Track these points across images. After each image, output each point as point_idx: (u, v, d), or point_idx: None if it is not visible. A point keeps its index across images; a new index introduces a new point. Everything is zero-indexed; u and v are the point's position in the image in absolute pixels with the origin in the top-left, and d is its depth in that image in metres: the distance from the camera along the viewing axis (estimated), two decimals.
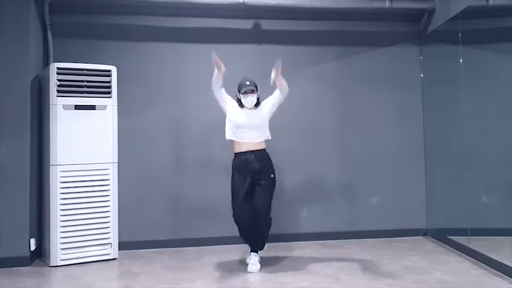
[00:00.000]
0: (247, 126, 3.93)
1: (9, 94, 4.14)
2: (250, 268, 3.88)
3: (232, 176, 3.96)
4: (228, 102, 4.00)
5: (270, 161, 3.99)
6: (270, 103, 4.01)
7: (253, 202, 3.88)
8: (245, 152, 3.91)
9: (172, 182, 4.82)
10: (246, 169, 3.88)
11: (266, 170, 3.93)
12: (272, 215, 4.78)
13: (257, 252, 3.99)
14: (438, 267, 3.90)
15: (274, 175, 3.97)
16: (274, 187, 3.96)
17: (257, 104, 4.02)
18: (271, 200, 3.95)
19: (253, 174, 3.89)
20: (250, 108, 4.00)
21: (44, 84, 4.35)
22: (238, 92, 3.99)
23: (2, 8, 4.16)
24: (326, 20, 5.10)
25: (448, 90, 4.61)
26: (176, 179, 4.83)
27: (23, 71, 4.19)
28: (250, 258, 3.94)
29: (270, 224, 4.00)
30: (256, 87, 4.01)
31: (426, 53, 5.14)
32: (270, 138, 4.04)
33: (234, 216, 3.91)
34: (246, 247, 4.11)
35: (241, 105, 3.99)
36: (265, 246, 4.09)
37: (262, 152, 3.97)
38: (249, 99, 3.96)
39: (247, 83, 3.97)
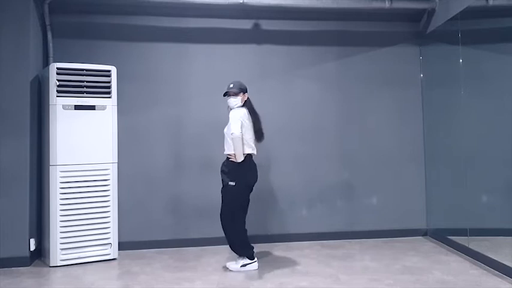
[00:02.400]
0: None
1: (9, 94, 4.14)
2: (227, 264, 4.00)
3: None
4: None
5: (232, 166, 3.88)
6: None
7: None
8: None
9: (172, 182, 4.82)
10: None
11: (224, 177, 3.93)
12: (273, 214, 4.78)
13: (240, 257, 3.98)
14: (438, 267, 3.90)
15: (235, 183, 3.85)
16: (230, 195, 3.87)
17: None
18: (226, 208, 3.90)
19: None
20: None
21: (43, 84, 4.35)
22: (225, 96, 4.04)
23: (2, 8, 4.16)
24: (326, 20, 5.10)
25: (447, 90, 4.61)
26: (176, 179, 4.83)
27: (23, 71, 4.19)
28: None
29: (229, 233, 3.91)
30: (243, 91, 3.96)
31: (426, 53, 5.14)
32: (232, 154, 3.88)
33: None
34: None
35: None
36: (242, 255, 3.97)
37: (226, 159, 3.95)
38: (230, 102, 3.95)
39: (231, 85, 3.97)
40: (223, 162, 3.99)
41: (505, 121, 3.88)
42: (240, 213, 3.91)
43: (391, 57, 5.17)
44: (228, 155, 3.91)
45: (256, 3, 4.68)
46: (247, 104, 3.98)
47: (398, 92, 5.16)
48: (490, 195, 4.22)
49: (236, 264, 3.95)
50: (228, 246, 4.02)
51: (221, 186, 3.96)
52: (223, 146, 3.99)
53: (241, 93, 3.96)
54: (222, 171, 3.96)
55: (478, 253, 4.04)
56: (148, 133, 4.81)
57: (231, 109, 3.96)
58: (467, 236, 4.22)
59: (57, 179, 4.10)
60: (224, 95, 4.00)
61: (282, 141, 4.94)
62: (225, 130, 3.97)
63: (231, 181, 3.86)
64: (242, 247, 3.93)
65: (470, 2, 4.11)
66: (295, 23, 5.08)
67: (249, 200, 3.98)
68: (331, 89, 5.09)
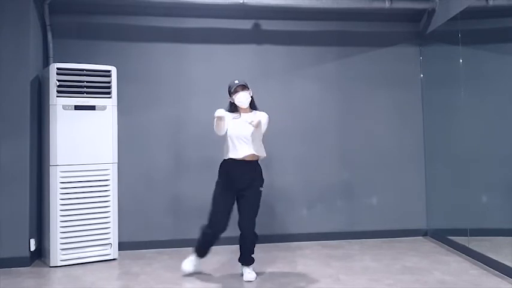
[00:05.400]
0: (238, 136, 3.66)
1: (9, 94, 4.14)
2: (247, 277, 3.66)
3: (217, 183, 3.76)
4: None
5: (260, 170, 3.75)
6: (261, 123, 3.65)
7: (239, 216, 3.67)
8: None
9: (173, 182, 4.82)
10: (232, 179, 3.67)
11: (254, 182, 3.68)
12: (273, 214, 4.76)
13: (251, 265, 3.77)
14: (438, 268, 3.90)
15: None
16: (259, 201, 3.72)
17: (253, 108, 3.78)
18: (255, 216, 3.69)
19: (239, 185, 3.65)
20: (244, 114, 3.70)
21: (43, 84, 4.35)
22: (230, 95, 3.70)
23: (2, 8, 4.16)
24: (326, 20, 5.10)
25: (448, 90, 4.62)
26: (176, 179, 4.83)
27: (23, 71, 4.19)
28: (245, 269, 3.74)
29: (253, 239, 3.74)
30: (247, 86, 3.71)
31: (426, 53, 5.14)
32: (263, 155, 3.76)
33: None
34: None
35: (234, 110, 3.72)
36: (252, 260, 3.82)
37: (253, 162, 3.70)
38: (242, 97, 3.63)
39: (236, 81, 3.67)
40: (246, 166, 3.66)
41: (505, 121, 3.89)
42: None
43: (391, 58, 5.17)
44: (256, 156, 3.67)
45: (256, 3, 4.68)
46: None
47: (399, 92, 5.16)
48: (490, 195, 4.23)
49: (252, 272, 3.71)
50: (242, 257, 3.77)
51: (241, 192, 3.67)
52: (242, 148, 3.65)
53: (248, 88, 3.72)
54: (251, 178, 3.66)
55: (478, 253, 4.04)
56: (148, 133, 4.81)
57: (236, 105, 3.68)
58: (467, 236, 4.22)
59: (57, 179, 4.09)
60: (235, 92, 3.64)
61: (282, 141, 4.94)
62: (252, 131, 3.62)
63: (261, 186, 3.69)
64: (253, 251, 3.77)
65: (470, 2, 4.11)
66: (295, 23, 5.08)
67: None
68: (331, 89, 5.09)
